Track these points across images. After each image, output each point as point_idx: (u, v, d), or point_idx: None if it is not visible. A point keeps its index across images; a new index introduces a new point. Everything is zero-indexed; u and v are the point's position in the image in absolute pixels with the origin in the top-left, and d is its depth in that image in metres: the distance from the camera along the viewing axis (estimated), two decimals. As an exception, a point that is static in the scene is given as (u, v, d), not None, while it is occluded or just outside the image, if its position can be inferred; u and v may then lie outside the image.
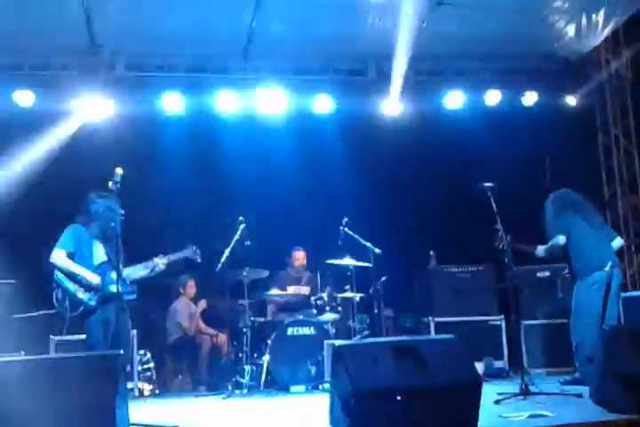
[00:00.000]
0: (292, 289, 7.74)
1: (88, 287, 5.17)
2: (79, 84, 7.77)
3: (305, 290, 7.73)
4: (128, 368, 6.63)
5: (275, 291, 7.43)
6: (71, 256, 5.24)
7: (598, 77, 8.74)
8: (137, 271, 5.41)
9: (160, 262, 5.44)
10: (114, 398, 3.57)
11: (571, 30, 8.11)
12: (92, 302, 5.16)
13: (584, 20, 8.01)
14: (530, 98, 8.62)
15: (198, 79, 8.20)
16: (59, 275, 5.20)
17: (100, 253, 5.31)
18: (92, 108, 7.85)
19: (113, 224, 5.18)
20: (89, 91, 7.77)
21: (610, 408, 4.21)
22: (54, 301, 5.17)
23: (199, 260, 5.69)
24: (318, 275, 7.82)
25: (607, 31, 8.15)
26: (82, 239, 5.27)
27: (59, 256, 5.22)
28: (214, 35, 7.72)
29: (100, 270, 5.24)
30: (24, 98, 7.72)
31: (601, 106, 9.00)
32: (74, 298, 5.14)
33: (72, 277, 5.19)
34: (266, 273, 7.31)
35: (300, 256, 7.95)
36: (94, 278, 5.18)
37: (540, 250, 5.92)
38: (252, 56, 8.19)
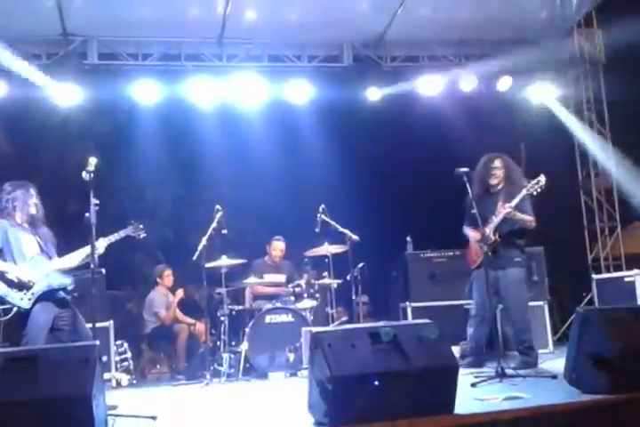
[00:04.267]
0: (268, 277, 7.73)
1: (19, 286, 4.86)
2: (51, 74, 7.66)
3: (281, 277, 7.73)
4: (105, 359, 6.60)
5: (252, 279, 7.42)
6: (0, 253, 4.92)
7: (572, 62, 8.78)
8: (75, 258, 5.11)
9: (100, 246, 5.09)
10: (90, 389, 3.55)
11: (544, 14, 8.15)
12: (25, 303, 4.85)
13: (558, 4, 8.05)
14: (504, 83, 8.64)
15: (172, 67, 8.12)
16: None
17: (30, 244, 5.03)
18: (64, 98, 7.74)
19: (34, 211, 5.06)
20: (61, 80, 7.66)
21: (584, 389, 4.27)
22: None
23: (143, 235, 5.43)
24: (293, 264, 7.85)
25: (581, 15, 8.21)
26: (7, 233, 4.95)
27: None
28: (188, 22, 7.68)
29: (34, 262, 4.97)
30: (-3, 88, 7.62)
31: (575, 90, 9.05)
32: (4, 302, 4.80)
33: (1, 277, 4.85)
34: (243, 261, 7.29)
35: (278, 247, 7.90)
36: (23, 274, 4.88)
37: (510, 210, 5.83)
38: (226, 43, 8.13)
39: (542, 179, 5.67)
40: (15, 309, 4.85)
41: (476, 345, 6.10)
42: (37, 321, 4.90)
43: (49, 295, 4.98)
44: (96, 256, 5.03)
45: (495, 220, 5.82)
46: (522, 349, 5.99)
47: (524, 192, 5.72)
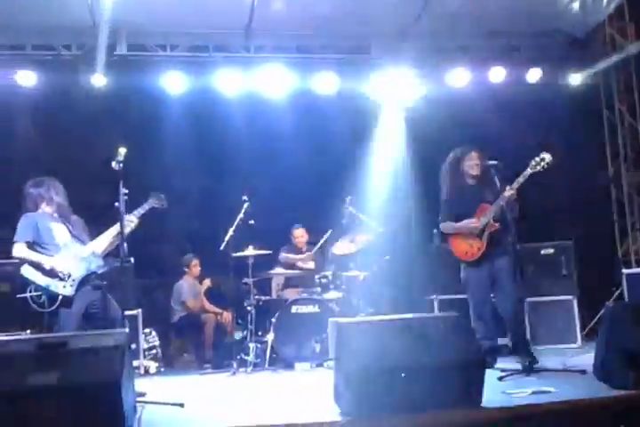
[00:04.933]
0: (297, 258, 7.73)
1: (57, 275, 4.98)
2: (81, 64, 7.73)
3: (310, 264, 7.75)
4: (134, 346, 6.69)
5: (278, 269, 7.44)
6: (32, 245, 5.05)
7: (603, 53, 8.66)
8: (106, 239, 5.22)
9: (132, 221, 5.19)
10: (120, 376, 3.60)
11: (576, 6, 8.03)
12: (68, 291, 4.98)
13: (589, -5, 7.93)
14: (534, 75, 8.54)
15: (200, 58, 8.14)
16: (28, 270, 4.98)
17: (60, 233, 5.16)
18: (93, 88, 7.80)
19: (62, 202, 5.21)
20: (91, 71, 7.73)
21: (612, 384, 4.23)
22: (29, 298, 4.93)
23: (166, 205, 5.50)
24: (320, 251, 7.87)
25: (612, 7, 8.08)
26: (38, 225, 5.10)
27: (19, 249, 5.02)
28: (216, 13, 7.66)
29: (67, 249, 5.10)
30: (26, 78, 7.68)
31: (606, 82, 8.94)
32: (48, 292, 4.95)
33: (40, 268, 4.98)
34: (269, 252, 7.33)
35: (299, 234, 7.95)
36: (58, 265, 4.99)
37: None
38: (253, 35, 8.13)
39: (547, 156, 5.43)
40: (60, 297, 4.95)
41: (490, 347, 5.75)
42: (74, 313, 5.01)
43: (88, 280, 5.09)
44: (129, 230, 5.10)
45: (495, 207, 5.57)
46: (521, 340, 5.72)
47: (528, 171, 5.47)
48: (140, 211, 5.34)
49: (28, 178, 5.43)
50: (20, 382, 3.53)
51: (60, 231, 5.18)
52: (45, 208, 5.22)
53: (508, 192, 5.52)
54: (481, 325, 5.74)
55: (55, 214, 5.23)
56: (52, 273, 5.00)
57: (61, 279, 5.00)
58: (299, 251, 7.96)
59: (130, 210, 5.17)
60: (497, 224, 5.63)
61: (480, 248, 5.75)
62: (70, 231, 5.21)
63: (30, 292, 4.95)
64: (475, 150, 5.91)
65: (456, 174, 5.91)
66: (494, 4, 7.72)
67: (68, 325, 4.95)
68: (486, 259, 5.73)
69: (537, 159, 5.47)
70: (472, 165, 5.83)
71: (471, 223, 5.79)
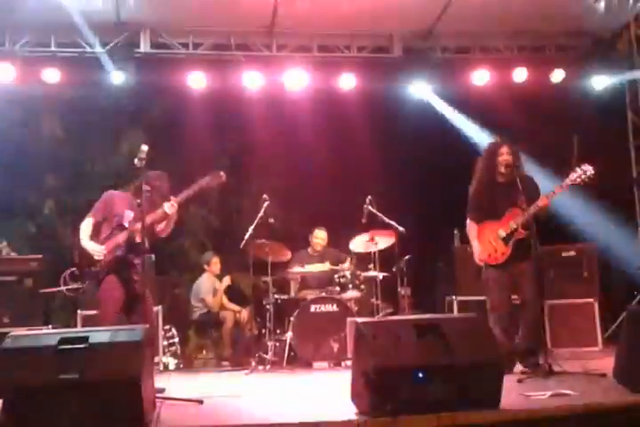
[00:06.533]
0: (310, 267, 7.73)
1: (89, 263, 5.10)
2: (106, 62, 7.80)
3: (324, 266, 7.73)
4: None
5: (297, 269, 7.45)
6: (99, 225, 5.17)
7: (628, 54, 8.57)
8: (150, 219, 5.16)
9: (173, 201, 5.18)
10: (140, 372, 3.62)
11: (601, 6, 7.96)
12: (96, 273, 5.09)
13: (616, -5, 7.86)
14: (558, 75, 8.48)
15: (222, 56, 8.17)
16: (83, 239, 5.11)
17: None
18: (116, 85, 7.86)
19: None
20: (115, 68, 7.79)
21: (633, 388, 4.19)
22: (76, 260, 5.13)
23: (223, 179, 5.30)
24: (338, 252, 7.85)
25: (638, 7, 8.00)
26: (114, 205, 5.21)
27: (84, 224, 5.16)
28: (239, 12, 7.69)
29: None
30: (51, 75, 7.75)
31: (630, 83, 8.85)
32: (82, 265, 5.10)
33: (82, 249, 5.10)
34: (288, 255, 7.35)
35: (319, 235, 7.90)
36: (98, 254, 5.08)
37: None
38: (276, 33, 8.15)
39: (589, 169, 5.24)
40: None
41: (508, 350, 5.45)
42: (107, 295, 5.08)
43: (120, 267, 5.14)
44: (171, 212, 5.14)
45: (526, 214, 5.33)
46: (533, 346, 5.51)
47: (567, 183, 5.29)
48: (189, 192, 5.27)
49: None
50: (42, 377, 3.57)
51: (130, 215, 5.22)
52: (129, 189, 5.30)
53: (542, 202, 5.32)
54: (498, 327, 5.52)
55: (137, 200, 5.06)
56: (88, 257, 5.07)
57: (92, 266, 5.09)
58: (315, 253, 7.89)
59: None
60: (524, 231, 5.44)
61: (505, 253, 5.56)
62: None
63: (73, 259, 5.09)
64: (506, 144, 5.64)
65: (488, 169, 5.68)
66: (518, 3, 7.67)
67: (107, 311, 5.05)
68: (509, 263, 5.58)
69: (578, 171, 5.26)
70: (501, 160, 5.60)
71: (498, 232, 5.57)
